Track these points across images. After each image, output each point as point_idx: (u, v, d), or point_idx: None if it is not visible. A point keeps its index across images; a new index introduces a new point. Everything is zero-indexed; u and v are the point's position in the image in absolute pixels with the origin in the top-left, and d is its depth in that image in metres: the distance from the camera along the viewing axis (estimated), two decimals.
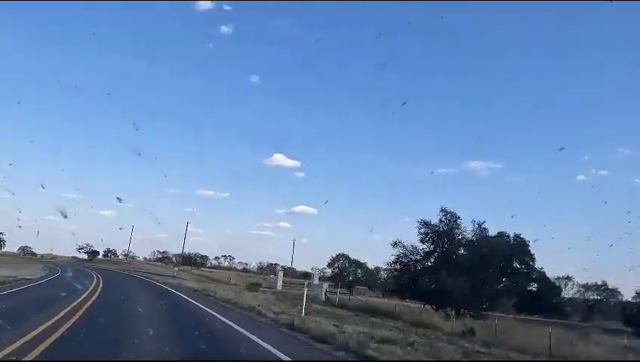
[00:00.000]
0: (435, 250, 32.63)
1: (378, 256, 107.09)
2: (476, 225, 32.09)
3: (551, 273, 52.08)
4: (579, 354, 18.83)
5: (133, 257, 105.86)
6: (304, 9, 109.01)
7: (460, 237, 32.40)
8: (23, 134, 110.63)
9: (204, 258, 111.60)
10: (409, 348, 9.73)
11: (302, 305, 18.52)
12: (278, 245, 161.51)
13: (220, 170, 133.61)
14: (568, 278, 57.67)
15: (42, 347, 6.67)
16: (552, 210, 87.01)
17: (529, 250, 36.25)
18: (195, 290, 26.86)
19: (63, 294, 16.62)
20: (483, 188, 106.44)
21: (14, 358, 5.90)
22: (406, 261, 33.64)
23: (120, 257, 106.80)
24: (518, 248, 35.84)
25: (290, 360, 7.47)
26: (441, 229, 32.45)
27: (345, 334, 10.55)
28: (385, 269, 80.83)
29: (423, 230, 32.96)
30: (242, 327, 10.92)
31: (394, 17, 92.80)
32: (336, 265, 71.32)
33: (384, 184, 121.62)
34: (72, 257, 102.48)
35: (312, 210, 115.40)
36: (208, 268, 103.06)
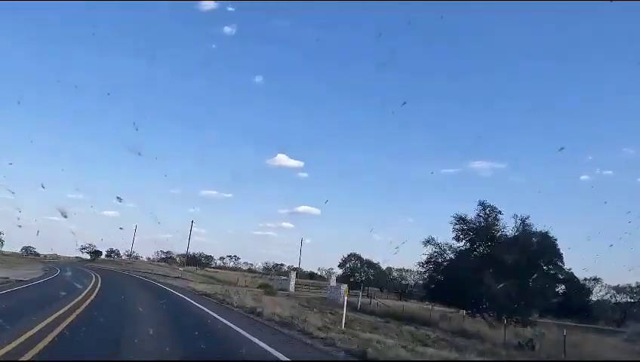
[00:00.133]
0: (474, 249, 28.79)
1: (379, 256, 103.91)
2: (518, 221, 28.31)
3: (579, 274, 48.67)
4: None
5: (136, 257, 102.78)
6: (305, 9, 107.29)
7: (499, 233, 28.63)
8: (22, 134, 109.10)
9: (209, 258, 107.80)
10: None
11: (341, 316, 14.89)
12: (281, 245, 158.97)
13: (223, 170, 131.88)
14: (596, 280, 53.83)
15: None
16: (552, 210, 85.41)
17: (557, 249, 32.10)
18: (206, 295, 23.15)
19: (50, 300, 14.22)
20: (485, 188, 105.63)
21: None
22: (440, 261, 29.79)
23: (123, 257, 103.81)
24: (546, 247, 31.84)
25: (288, 360, 7.33)
26: (480, 225, 28.68)
27: None
28: (401, 270, 77.66)
29: (458, 226, 29.17)
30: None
31: (396, 17, 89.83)
32: (347, 265, 67.52)
33: (386, 184, 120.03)
34: (76, 257, 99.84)
35: (315, 210, 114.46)
36: (213, 268, 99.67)
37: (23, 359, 5.79)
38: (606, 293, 54.65)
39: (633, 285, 51.89)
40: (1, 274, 28.15)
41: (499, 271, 26.83)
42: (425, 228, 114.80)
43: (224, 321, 11.94)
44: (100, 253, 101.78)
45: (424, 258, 31.77)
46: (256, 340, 9.02)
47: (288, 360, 7.38)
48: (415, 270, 78.92)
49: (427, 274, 32.85)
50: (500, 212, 28.66)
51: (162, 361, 6.75)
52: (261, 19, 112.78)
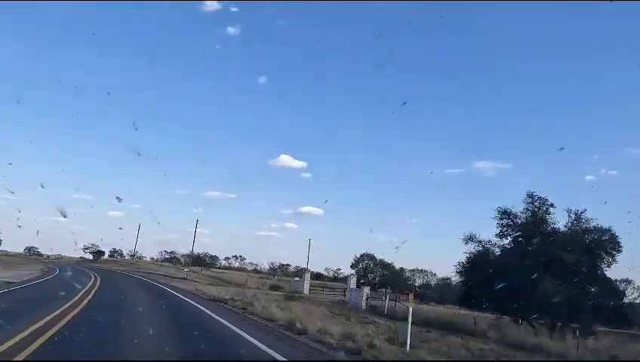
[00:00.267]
0: (522, 246, 24.93)
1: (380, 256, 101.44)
2: (572, 215, 24.50)
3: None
4: None
5: (140, 257, 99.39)
6: (305, 9, 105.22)
7: (550, 229, 24.82)
8: (22, 134, 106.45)
9: (214, 258, 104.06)
10: None
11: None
12: (286, 246, 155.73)
13: (226, 171, 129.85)
14: (628, 281, 49.90)
15: None
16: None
17: (619, 248, 28.23)
18: (220, 301, 19.37)
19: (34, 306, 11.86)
20: (488, 188, 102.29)
21: None
22: (483, 260, 25.89)
23: (126, 257, 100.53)
24: (608, 245, 28.03)
25: (285, 360, 7.16)
26: (528, 220, 24.89)
27: None
28: (414, 270, 73.93)
29: (504, 221, 25.35)
30: None
31: (396, 17, 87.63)
32: (360, 265, 63.70)
33: (389, 184, 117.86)
34: (80, 258, 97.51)
35: (319, 211, 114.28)
36: (218, 268, 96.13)
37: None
38: (639, 296, 50.69)
39: None
40: None
41: (556, 273, 23.08)
42: (426, 229, 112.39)
43: (264, 348, 8.16)
44: (103, 253, 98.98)
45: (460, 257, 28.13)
46: None
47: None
48: (428, 270, 75.98)
49: (463, 276, 29.02)
50: (551, 205, 24.82)
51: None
52: (265, 19, 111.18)
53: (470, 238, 25.95)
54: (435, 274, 69.51)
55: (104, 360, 6.43)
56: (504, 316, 26.99)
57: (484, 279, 25.54)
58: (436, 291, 71.95)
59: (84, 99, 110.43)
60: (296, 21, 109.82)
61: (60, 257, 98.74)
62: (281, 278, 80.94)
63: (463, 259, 27.78)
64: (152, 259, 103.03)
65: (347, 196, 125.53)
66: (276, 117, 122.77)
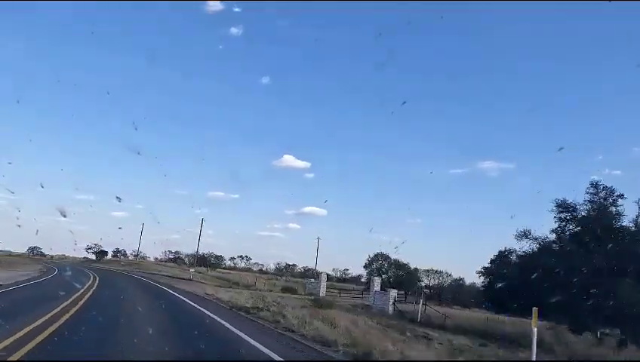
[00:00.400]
0: (588, 244, 21.22)
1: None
2: None
3: None
4: None
5: (143, 257, 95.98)
6: (306, 9, 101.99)
7: (618, 225, 21.16)
8: (22, 133, 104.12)
9: (219, 258, 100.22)
10: None
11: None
12: (288, 246, 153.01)
13: (230, 171, 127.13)
14: None
15: None
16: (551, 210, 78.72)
17: None
18: (240, 309, 15.70)
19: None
20: (487, 189, 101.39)
21: None
22: (537, 259, 22.15)
23: (130, 257, 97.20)
24: None
25: (282, 360, 7.01)
26: (592, 213, 21.24)
27: None
28: (429, 271, 70.05)
29: (562, 215, 21.69)
30: None
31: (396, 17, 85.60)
32: (374, 265, 59.97)
33: (392, 184, 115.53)
34: (84, 258, 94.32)
35: (322, 211, 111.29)
36: (224, 269, 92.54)
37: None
38: None
39: None
40: None
41: (628, 275, 19.44)
42: (430, 229, 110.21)
43: None
44: (106, 253, 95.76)
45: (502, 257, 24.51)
46: None
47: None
48: (443, 271, 72.16)
49: (499, 277, 25.39)
50: (621, 195, 21.14)
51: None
52: (268, 19, 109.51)
53: (524, 235, 22.27)
54: (450, 275, 65.74)
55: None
56: (554, 323, 23.40)
57: (534, 280, 21.78)
58: (449, 292, 68.31)
59: (86, 99, 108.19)
60: (298, 21, 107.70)
61: (64, 257, 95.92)
62: (289, 279, 77.37)
63: (487, 259, 24.27)
64: (156, 259, 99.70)
65: (351, 196, 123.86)
66: (279, 117, 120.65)
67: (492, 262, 48.09)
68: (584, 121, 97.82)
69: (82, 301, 14.25)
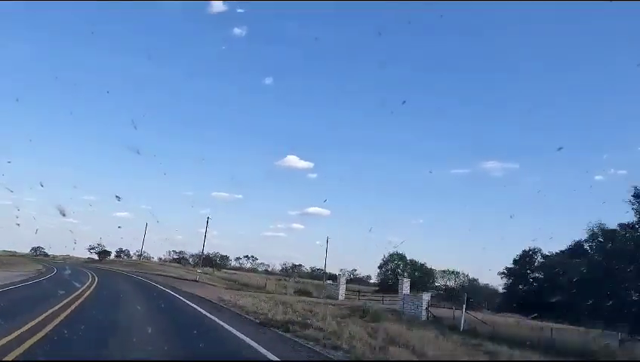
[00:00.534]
0: None
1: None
2: None
3: None
4: None
5: (147, 258, 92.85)
6: (307, 9, 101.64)
7: None
8: (21, 132, 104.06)
9: (225, 258, 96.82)
10: None
11: None
12: (292, 246, 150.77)
13: (233, 171, 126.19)
14: None
15: None
16: (553, 211, 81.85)
17: None
18: (279, 327, 12.16)
19: None
20: (495, 188, 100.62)
21: None
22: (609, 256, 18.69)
23: (133, 258, 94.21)
24: None
25: (278, 360, 6.92)
26: None
27: None
28: (445, 271, 66.71)
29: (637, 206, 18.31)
30: None
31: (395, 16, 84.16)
32: (389, 266, 56.53)
33: (395, 184, 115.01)
34: (88, 258, 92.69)
35: (326, 211, 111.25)
36: (229, 269, 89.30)
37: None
38: None
39: None
40: None
41: None
42: (433, 229, 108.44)
43: None
44: (109, 253, 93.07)
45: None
46: None
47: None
48: (460, 272, 68.92)
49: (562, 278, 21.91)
50: None
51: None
52: (271, 20, 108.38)
53: (595, 233, 18.81)
54: (467, 276, 62.23)
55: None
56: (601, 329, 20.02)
57: (582, 282, 18.30)
58: (463, 294, 65.13)
59: (87, 98, 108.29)
60: (301, 21, 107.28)
61: (67, 257, 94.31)
62: (298, 280, 74.03)
63: (506, 259, 20.85)
64: (160, 259, 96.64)
65: (355, 196, 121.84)
66: (282, 117, 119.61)
67: (515, 262, 44.38)
68: (587, 120, 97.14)
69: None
